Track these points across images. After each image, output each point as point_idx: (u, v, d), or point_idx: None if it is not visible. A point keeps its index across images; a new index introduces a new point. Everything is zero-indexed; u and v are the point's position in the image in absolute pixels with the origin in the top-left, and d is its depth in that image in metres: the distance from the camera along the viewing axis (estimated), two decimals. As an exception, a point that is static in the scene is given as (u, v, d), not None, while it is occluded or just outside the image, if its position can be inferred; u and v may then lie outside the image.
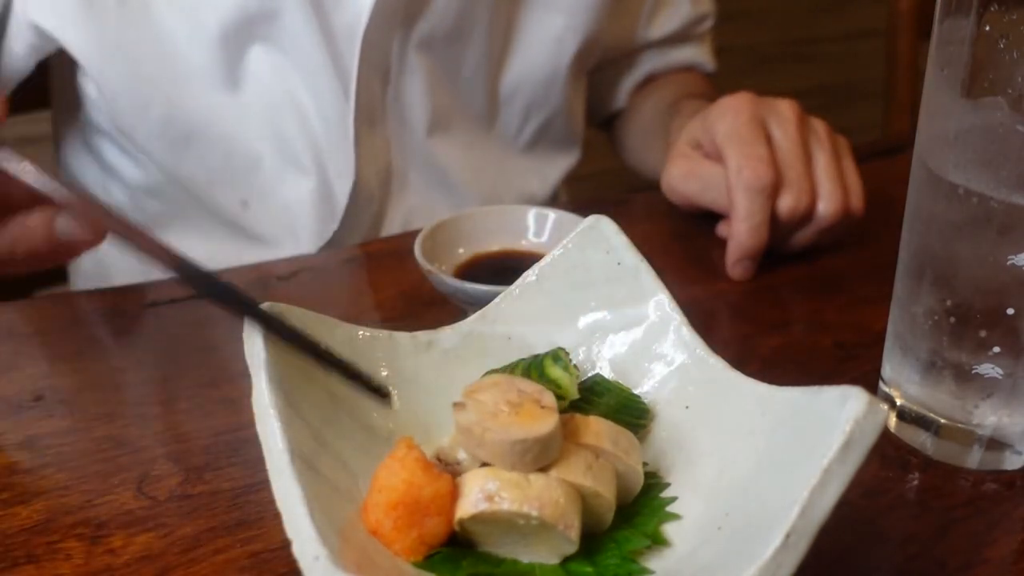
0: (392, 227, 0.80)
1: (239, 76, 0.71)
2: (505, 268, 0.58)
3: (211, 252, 0.76)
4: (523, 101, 0.82)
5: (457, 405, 0.36)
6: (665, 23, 0.90)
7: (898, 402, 0.47)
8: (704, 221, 0.68)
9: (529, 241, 0.62)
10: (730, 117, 0.62)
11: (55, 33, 0.68)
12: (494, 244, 0.62)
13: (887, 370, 0.48)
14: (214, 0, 0.68)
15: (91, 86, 0.73)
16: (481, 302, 0.47)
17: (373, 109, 0.74)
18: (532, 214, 0.62)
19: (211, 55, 0.70)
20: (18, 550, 0.41)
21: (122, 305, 0.61)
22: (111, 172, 0.80)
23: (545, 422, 0.35)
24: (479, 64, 0.78)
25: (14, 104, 0.76)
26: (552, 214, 0.62)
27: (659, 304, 0.45)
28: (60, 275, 0.91)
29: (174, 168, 0.74)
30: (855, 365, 0.54)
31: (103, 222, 0.38)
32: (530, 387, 0.37)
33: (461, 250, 0.61)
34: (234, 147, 0.74)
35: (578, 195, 0.95)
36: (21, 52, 0.70)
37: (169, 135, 0.72)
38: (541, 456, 0.35)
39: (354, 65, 0.70)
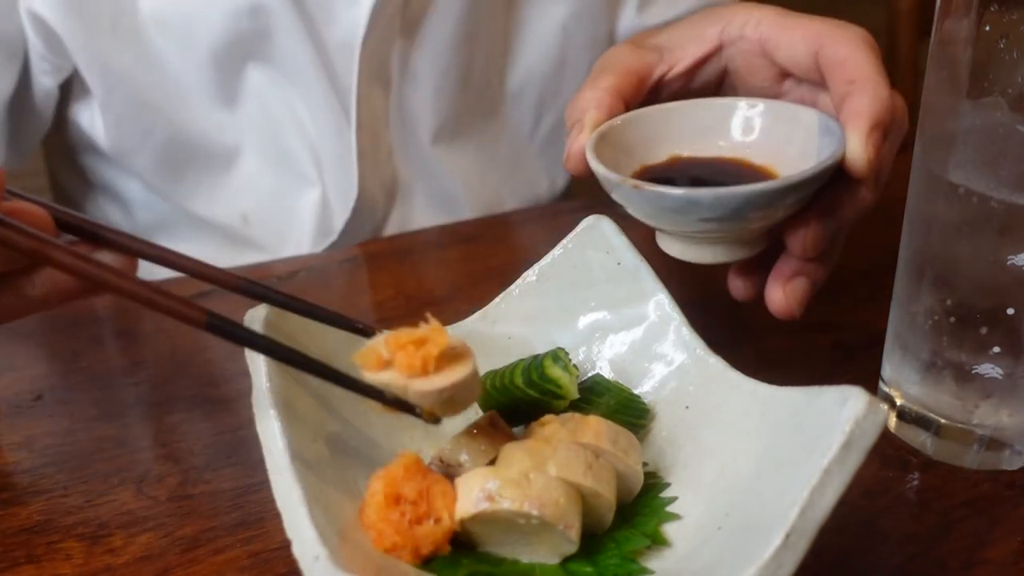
0: (389, 234, 0.80)
1: (236, 93, 0.71)
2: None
3: (206, 257, 0.77)
4: (533, 97, 0.80)
5: (373, 362, 0.37)
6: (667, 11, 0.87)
7: (898, 402, 0.47)
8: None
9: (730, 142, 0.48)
10: None
11: (74, 56, 0.68)
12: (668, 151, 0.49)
13: (887, 370, 0.48)
14: (205, 22, 0.67)
15: (85, 114, 0.73)
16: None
17: (375, 120, 0.74)
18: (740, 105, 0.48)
19: (206, 75, 0.69)
20: (18, 550, 0.41)
21: (122, 305, 0.61)
22: (103, 188, 0.79)
23: (462, 367, 0.37)
24: (484, 64, 0.77)
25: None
26: (761, 104, 0.48)
27: (659, 304, 0.45)
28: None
29: (174, 187, 0.74)
30: (855, 365, 0.54)
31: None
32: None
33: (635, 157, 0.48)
34: (234, 163, 0.73)
35: (579, 195, 0.95)
36: (49, 83, 0.70)
37: (171, 157, 0.72)
38: (462, 400, 0.37)
39: (353, 78, 0.70)
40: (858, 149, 0.42)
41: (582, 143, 0.45)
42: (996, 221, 0.41)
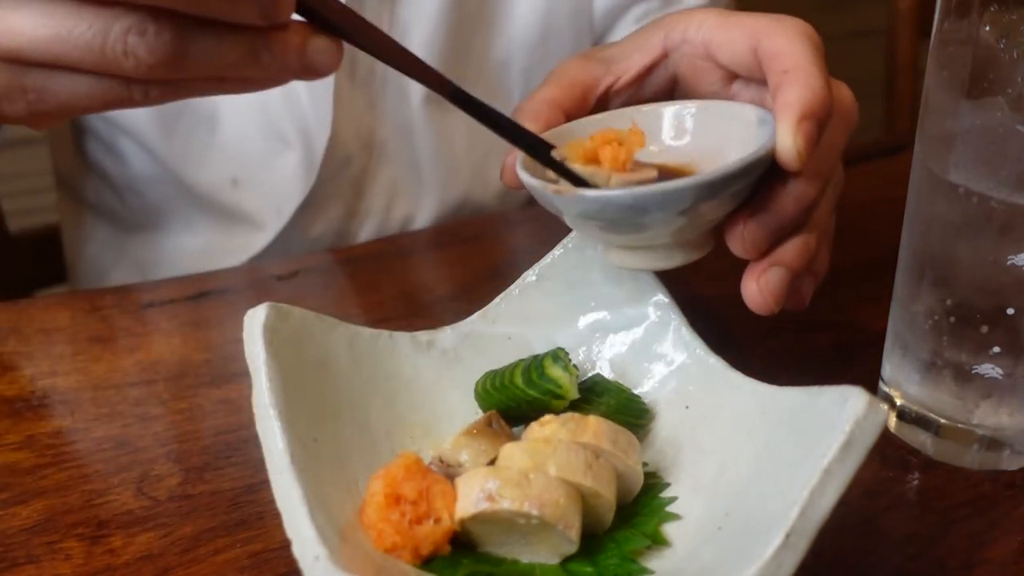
0: (375, 200, 0.79)
1: None
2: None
3: (198, 246, 0.77)
4: (519, 65, 0.80)
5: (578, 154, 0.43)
6: None
7: (898, 402, 0.47)
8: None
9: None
10: None
11: None
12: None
13: (887, 370, 0.48)
14: None
15: None
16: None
17: (355, 64, 0.74)
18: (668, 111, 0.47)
19: None
20: (18, 550, 0.41)
21: (122, 305, 0.61)
22: (99, 172, 0.80)
23: (647, 170, 0.42)
24: (471, 29, 0.77)
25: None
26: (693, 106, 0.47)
27: (659, 304, 0.45)
28: (60, 275, 0.91)
29: (165, 149, 0.75)
30: (855, 365, 0.54)
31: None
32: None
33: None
34: (222, 123, 0.74)
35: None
36: None
37: (161, 112, 0.73)
38: None
39: None
40: (788, 140, 0.39)
41: (516, 155, 0.44)
42: (996, 221, 0.41)
